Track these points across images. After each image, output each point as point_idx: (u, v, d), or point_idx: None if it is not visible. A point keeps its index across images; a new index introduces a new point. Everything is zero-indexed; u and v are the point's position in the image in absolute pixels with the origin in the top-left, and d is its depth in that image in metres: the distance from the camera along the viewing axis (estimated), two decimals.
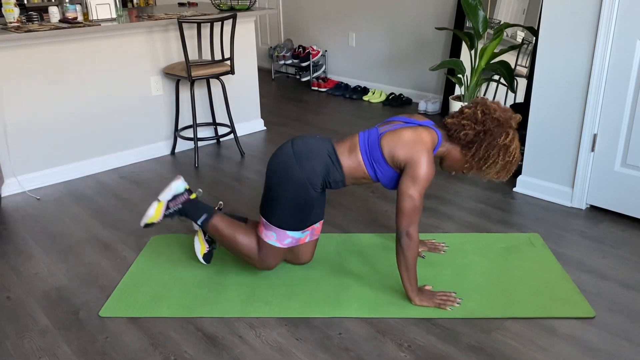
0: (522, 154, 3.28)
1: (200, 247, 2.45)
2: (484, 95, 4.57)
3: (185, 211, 2.37)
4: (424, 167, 2.10)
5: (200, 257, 2.46)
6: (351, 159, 2.22)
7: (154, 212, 2.35)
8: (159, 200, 2.36)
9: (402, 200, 2.10)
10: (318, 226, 2.39)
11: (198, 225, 2.37)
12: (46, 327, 2.14)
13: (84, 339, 2.07)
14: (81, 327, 2.13)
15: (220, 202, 2.51)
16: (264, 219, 2.28)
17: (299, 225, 2.26)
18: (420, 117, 2.28)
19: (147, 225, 2.38)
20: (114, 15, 3.78)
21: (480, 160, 2.14)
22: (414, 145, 2.12)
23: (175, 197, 2.37)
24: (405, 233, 2.09)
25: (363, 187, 3.35)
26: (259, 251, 2.31)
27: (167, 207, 2.36)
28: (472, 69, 3.99)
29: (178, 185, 2.38)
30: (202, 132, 4.25)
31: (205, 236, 2.45)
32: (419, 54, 5.22)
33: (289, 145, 2.24)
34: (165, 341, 2.04)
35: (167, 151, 4.07)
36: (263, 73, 6.64)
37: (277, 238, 2.28)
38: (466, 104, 2.22)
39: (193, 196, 2.41)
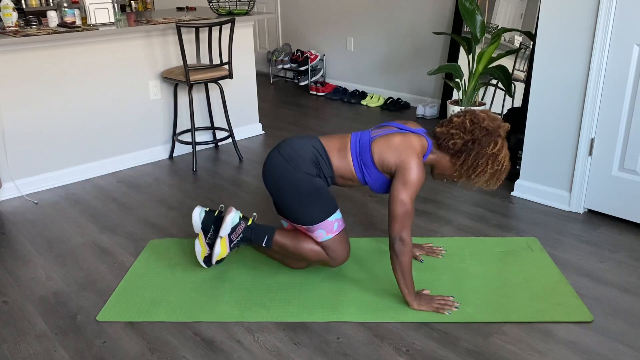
0: (519, 159, 3.28)
1: (202, 250, 2.44)
2: (482, 99, 4.58)
3: (247, 238, 2.39)
4: (414, 172, 2.11)
5: (201, 260, 2.46)
6: (340, 159, 2.25)
7: (221, 249, 2.38)
8: (221, 237, 2.37)
9: (394, 206, 2.11)
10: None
11: (264, 246, 2.38)
12: (43, 332, 2.13)
13: (81, 343, 2.06)
14: (78, 332, 2.13)
15: (222, 206, 2.51)
16: (300, 226, 2.29)
17: (330, 207, 2.27)
18: (413, 125, 2.30)
19: (218, 262, 2.44)
20: (113, 20, 3.78)
21: (469, 169, 2.16)
22: (403, 150, 2.15)
23: (233, 230, 2.38)
24: (399, 238, 2.09)
25: (361, 192, 3.35)
26: (326, 252, 2.31)
27: (231, 240, 2.38)
28: (470, 73, 4.00)
29: (232, 217, 2.38)
30: (201, 136, 4.26)
31: (205, 239, 2.44)
32: (416, 59, 5.23)
33: (276, 153, 2.28)
34: (163, 346, 2.04)
35: (165, 155, 4.06)
36: (261, 77, 6.65)
37: (327, 231, 2.27)
38: (456, 112, 2.24)
39: (250, 222, 2.41)
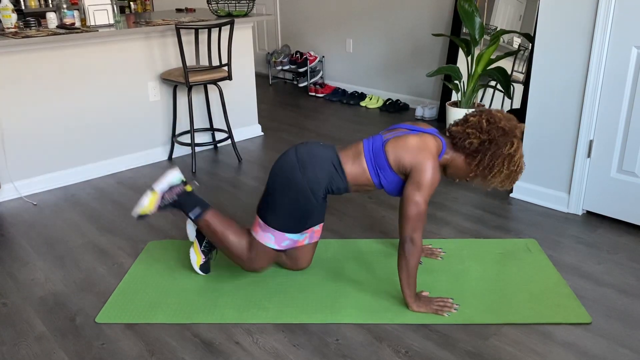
0: None
1: (197, 258, 2.44)
2: (481, 100, 4.58)
3: (179, 204, 2.34)
4: (429, 173, 2.09)
5: (196, 268, 2.45)
6: (355, 166, 2.22)
7: (148, 203, 2.31)
8: (153, 190, 2.32)
9: (407, 206, 2.09)
10: (318, 229, 2.39)
11: (190, 218, 2.34)
12: (42, 334, 2.13)
13: (80, 345, 2.06)
14: (77, 334, 2.13)
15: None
16: (260, 220, 2.28)
17: (298, 228, 2.26)
18: (424, 125, 2.28)
19: (140, 217, 2.34)
20: (112, 21, 3.78)
21: (485, 169, 2.13)
22: (420, 152, 2.12)
23: (171, 188, 2.33)
24: (410, 239, 2.09)
25: (361, 193, 3.35)
26: (249, 251, 2.30)
27: (162, 198, 2.32)
28: (469, 75, 4.00)
29: (174, 175, 2.34)
30: (200, 138, 4.26)
31: (200, 247, 2.43)
32: (415, 60, 5.24)
33: (293, 152, 2.24)
34: (162, 347, 2.04)
35: (165, 157, 4.07)
36: (260, 79, 6.65)
37: (275, 240, 2.27)
38: (471, 111, 2.22)
39: (189, 189, 2.37)
